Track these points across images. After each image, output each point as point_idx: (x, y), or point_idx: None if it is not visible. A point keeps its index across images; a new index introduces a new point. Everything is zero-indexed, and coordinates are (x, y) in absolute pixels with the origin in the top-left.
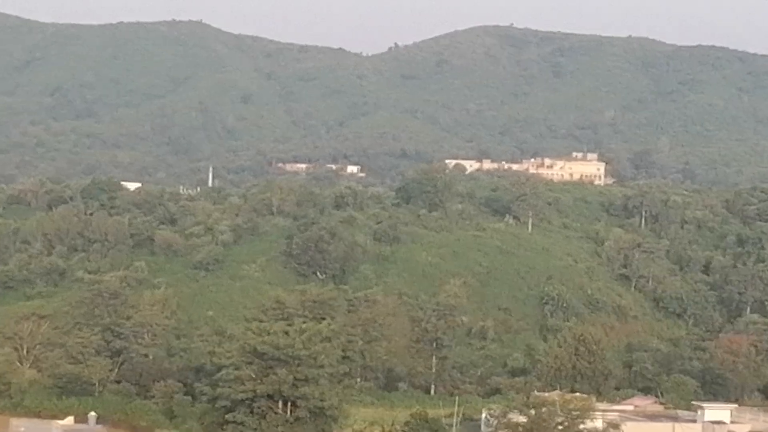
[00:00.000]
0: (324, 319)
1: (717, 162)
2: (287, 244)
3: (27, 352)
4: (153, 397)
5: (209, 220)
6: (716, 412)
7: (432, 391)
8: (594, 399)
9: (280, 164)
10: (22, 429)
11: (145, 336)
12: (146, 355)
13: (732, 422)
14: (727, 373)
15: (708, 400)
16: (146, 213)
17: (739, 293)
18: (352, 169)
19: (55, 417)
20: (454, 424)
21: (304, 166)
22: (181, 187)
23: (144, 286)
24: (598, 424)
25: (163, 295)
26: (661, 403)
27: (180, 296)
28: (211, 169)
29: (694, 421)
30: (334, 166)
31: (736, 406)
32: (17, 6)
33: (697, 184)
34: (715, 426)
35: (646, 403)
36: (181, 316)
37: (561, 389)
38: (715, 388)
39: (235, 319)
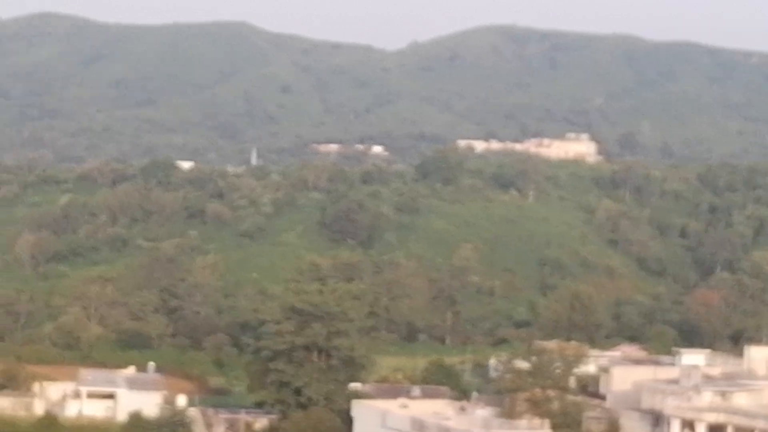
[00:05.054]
0: (353, 279)
1: (691, 141)
2: (321, 214)
3: (94, 310)
4: (204, 349)
5: (253, 195)
6: (692, 357)
7: (447, 342)
8: (587, 347)
9: (314, 145)
10: (90, 378)
11: (198, 296)
12: (198, 313)
13: (706, 366)
14: (701, 324)
15: (685, 347)
16: (198, 188)
17: (711, 254)
18: (377, 149)
19: (118, 367)
20: (467, 370)
21: (335, 147)
22: (229, 166)
23: (196, 253)
24: (591, 368)
25: (213, 260)
26: (644, 350)
27: (228, 261)
28: (254, 150)
29: (673, 365)
30: (361, 147)
31: (709, 351)
32: (85, 8)
33: (674, 160)
34: (691, 369)
35: (632, 350)
36: (229, 278)
37: (559, 339)
38: (690, 337)
39: (276, 281)
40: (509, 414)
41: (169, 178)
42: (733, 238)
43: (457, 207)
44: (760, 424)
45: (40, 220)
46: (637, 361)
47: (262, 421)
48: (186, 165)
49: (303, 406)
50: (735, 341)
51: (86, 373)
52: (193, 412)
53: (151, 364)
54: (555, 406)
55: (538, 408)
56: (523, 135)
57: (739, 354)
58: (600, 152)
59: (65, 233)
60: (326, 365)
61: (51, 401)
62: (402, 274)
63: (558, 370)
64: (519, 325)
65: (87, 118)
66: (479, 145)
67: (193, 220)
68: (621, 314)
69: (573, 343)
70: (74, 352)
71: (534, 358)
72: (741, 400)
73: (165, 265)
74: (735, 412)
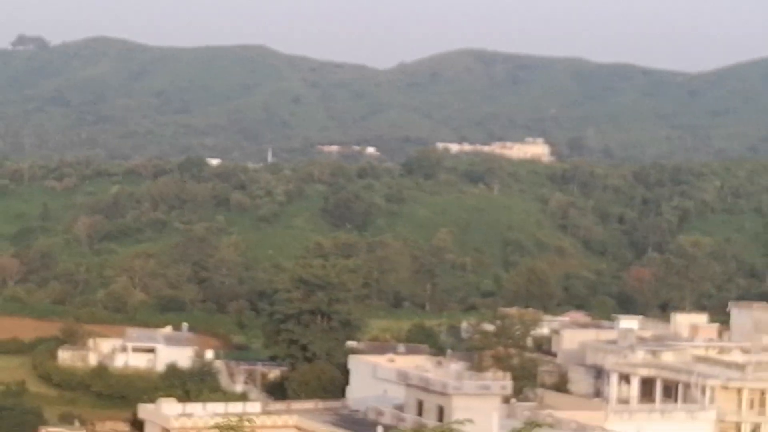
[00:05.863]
0: (350, 256)
1: (628, 145)
2: (324, 203)
3: (138, 280)
4: (228, 312)
5: (269, 186)
6: (628, 322)
7: (427, 308)
8: (542, 313)
9: (319, 146)
10: (135, 335)
11: (223, 269)
12: (223, 283)
13: (639, 329)
14: (635, 295)
15: (622, 314)
16: (224, 181)
17: (644, 238)
18: (370, 150)
19: (158, 327)
20: (443, 331)
21: (336, 147)
22: (249, 163)
23: (222, 234)
24: (545, 330)
25: (236, 240)
26: (588, 316)
27: (248, 241)
28: (270, 150)
29: (612, 328)
30: (358, 148)
31: (642, 317)
32: (133, 33)
33: (613, 160)
34: (627, 332)
35: (578, 315)
36: (249, 255)
37: (518, 306)
38: (627, 305)
39: (288, 257)
40: (477, 368)
41: (200, 172)
42: (662, 224)
43: (436, 198)
44: (683, 377)
45: (95, 206)
46: (583, 325)
47: (275, 372)
48: (214, 162)
49: (308, 360)
50: (663, 309)
51: (132, 331)
52: (219, 364)
53: (185, 325)
54: (515, 361)
55: (501, 363)
56: (490, 139)
57: (667, 320)
58: (553, 153)
59: (115, 217)
60: (328, 326)
61: (102, 354)
62: (390, 252)
63: (518, 332)
64: (486, 294)
65: (134, 123)
66: (454, 147)
67: (219, 207)
68: (569, 286)
69: (530, 309)
70: (122, 314)
71: (498, 322)
72: (668, 357)
73: (197, 244)
74: (663, 367)
